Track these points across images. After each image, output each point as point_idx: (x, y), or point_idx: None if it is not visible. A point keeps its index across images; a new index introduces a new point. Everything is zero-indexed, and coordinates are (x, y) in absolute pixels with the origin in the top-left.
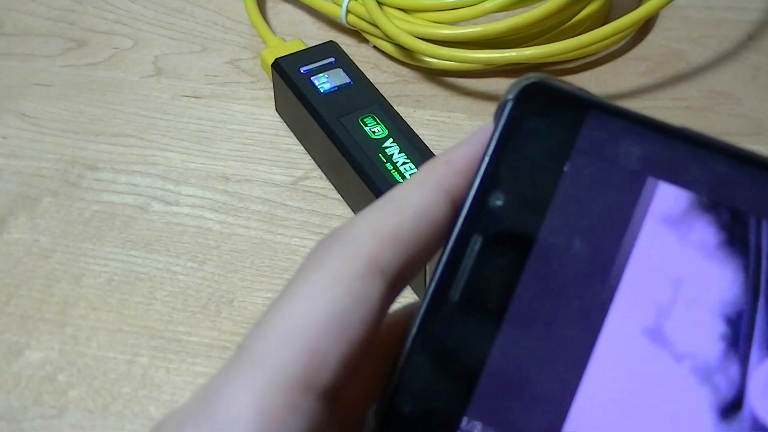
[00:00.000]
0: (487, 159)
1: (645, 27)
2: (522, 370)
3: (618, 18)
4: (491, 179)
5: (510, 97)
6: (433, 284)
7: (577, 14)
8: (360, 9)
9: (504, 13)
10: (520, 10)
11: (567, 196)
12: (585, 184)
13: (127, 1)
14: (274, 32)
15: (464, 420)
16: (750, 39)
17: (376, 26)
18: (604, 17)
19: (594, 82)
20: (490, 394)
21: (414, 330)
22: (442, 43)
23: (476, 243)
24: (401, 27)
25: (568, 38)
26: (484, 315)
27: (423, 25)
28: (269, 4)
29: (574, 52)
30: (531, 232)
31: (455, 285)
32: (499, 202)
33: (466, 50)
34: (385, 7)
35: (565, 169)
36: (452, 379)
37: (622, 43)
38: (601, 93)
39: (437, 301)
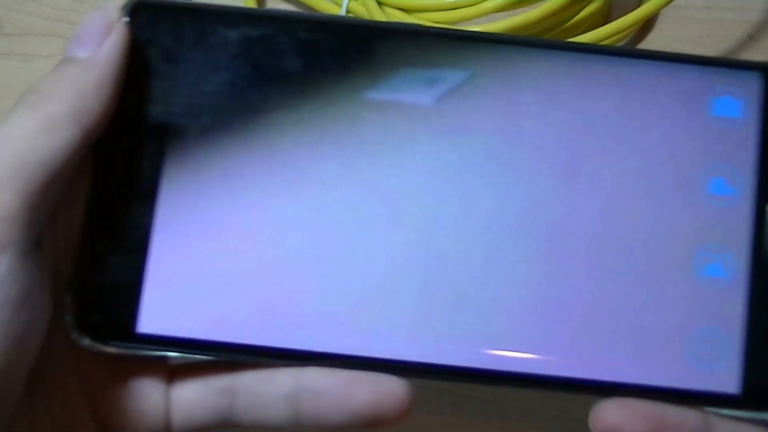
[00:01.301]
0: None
1: (645, 27)
2: (184, 231)
3: (618, 18)
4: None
5: (125, 17)
6: (96, 181)
7: (577, 14)
8: (360, 9)
9: (504, 13)
10: (521, 10)
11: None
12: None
13: None
14: None
15: (146, 281)
16: (750, 39)
17: None
18: (604, 17)
19: None
20: (160, 264)
21: (85, 217)
22: None
23: (121, 142)
24: None
25: (568, 38)
26: (140, 202)
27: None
28: (269, 4)
29: None
30: (164, 121)
31: (113, 180)
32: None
33: None
34: (385, 7)
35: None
36: (126, 250)
37: (623, 43)
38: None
39: (101, 196)
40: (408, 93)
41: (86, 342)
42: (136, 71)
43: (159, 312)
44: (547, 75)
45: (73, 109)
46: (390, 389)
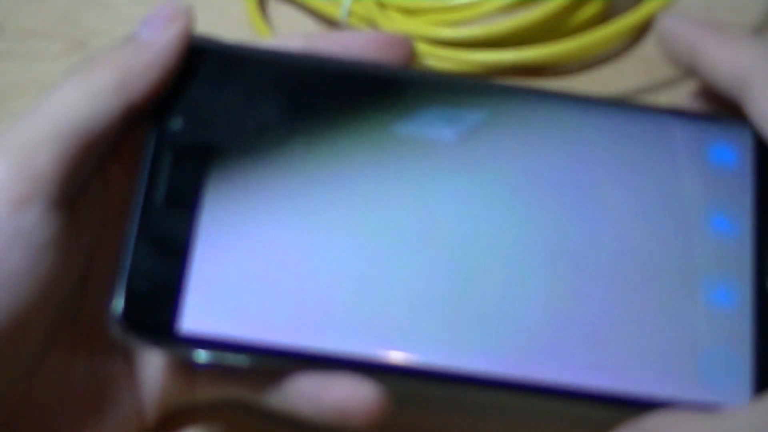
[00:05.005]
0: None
1: (645, 28)
2: (224, 250)
3: (618, 19)
4: (169, 111)
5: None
6: (142, 193)
7: (576, 16)
8: (361, 10)
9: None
10: (521, 11)
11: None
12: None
13: (129, 3)
14: (274, 32)
15: (186, 291)
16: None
17: (377, 27)
18: (603, 18)
19: (594, 83)
20: (202, 270)
21: (132, 231)
22: (443, 45)
23: (167, 158)
24: (402, 28)
25: (568, 39)
26: (183, 213)
27: (424, 27)
28: (269, 5)
29: (575, 53)
30: (209, 146)
31: (158, 192)
32: (178, 126)
33: (467, 51)
34: (386, 9)
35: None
36: (169, 262)
37: (622, 44)
38: (601, 93)
39: (146, 207)
40: (433, 129)
41: (131, 341)
42: (192, 93)
43: (199, 313)
44: (563, 120)
45: (118, 83)
46: (361, 394)
